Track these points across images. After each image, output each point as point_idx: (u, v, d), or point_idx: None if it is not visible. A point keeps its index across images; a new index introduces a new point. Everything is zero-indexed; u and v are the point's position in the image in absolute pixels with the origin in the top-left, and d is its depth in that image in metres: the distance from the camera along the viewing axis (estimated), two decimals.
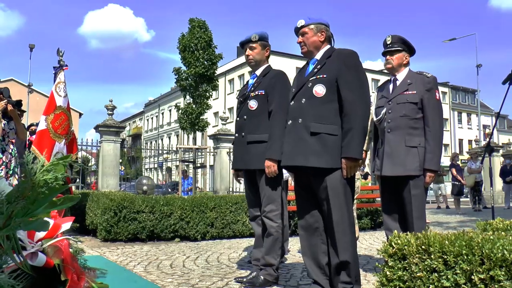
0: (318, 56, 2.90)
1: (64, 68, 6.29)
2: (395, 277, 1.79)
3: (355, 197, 4.45)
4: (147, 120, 62.61)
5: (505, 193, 15.13)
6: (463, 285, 1.56)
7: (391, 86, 3.58)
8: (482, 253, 1.54)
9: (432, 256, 1.68)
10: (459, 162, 15.03)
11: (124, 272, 3.91)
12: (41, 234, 2.23)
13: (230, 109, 38.79)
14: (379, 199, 4.09)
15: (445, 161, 22.80)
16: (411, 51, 3.61)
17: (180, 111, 15.22)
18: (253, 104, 3.46)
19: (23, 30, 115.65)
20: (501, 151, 18.04)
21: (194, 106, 15.10)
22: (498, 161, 17.24)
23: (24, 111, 7.71)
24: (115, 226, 5.73)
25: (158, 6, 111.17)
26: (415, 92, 3.38)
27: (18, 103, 5.97)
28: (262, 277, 3.30)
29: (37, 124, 6.79)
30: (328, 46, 2.93)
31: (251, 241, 4.90)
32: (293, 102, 2.88)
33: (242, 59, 37.72)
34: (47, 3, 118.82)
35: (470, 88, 51.96)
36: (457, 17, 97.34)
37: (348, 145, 2.63)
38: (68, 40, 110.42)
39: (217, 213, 6.31)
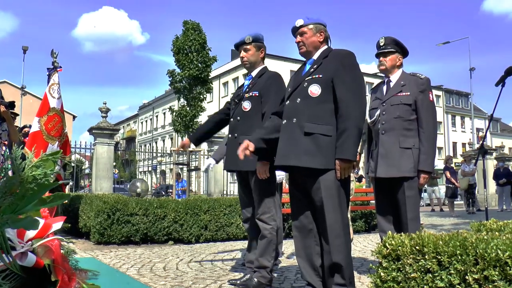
0: (315, 56, 2.88)
1: (58, 69, 6.27)
2: (389, 278, 1.78)
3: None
4: (141, 123, 62.43)
5: (499, 195, 15.19)
6: (457, 286, 1.55)
7: (384, 88, 3.58)
8: (476, 253, 1.53)
9: (426, 257, 1.67)
10: (453, 165, 15.09)
11: (117, 274, 3.88)
12: (31, 234, 2.19)
13: None
14: (373, 201, 4.09)
15: (439, 164, 22.88)
16: (404, 52, 3.61)
17: (174, 113, 15.17)
18: (246, 105, 3.45)
19: (17, 32, 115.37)
20: (494, 154, 18.16)
21: (188, 108, 15.06)
22: (491, 163, 17.35)
23: (17, 115, 7.66)
24: (108, 228, 5.69)
25: (152, 8, 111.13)
26: (408, 93, 3.39)
27: (11, 104, 5.92)
28: (256, 280, 3.28)
29: (30, 126, 6.74)
30: (326, 47, 2.91)
31: (245, 244, 4.88)
32: (288, 101, 2.86)
33: (236, 62, 37.76)
34: (41, 5, 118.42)
35: (464, 91, 52.28)
36: (450, 21, 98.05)
37: (342, 146, 2.61)
38: (62, 42, 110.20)
39: (211, 216, 6.29)
